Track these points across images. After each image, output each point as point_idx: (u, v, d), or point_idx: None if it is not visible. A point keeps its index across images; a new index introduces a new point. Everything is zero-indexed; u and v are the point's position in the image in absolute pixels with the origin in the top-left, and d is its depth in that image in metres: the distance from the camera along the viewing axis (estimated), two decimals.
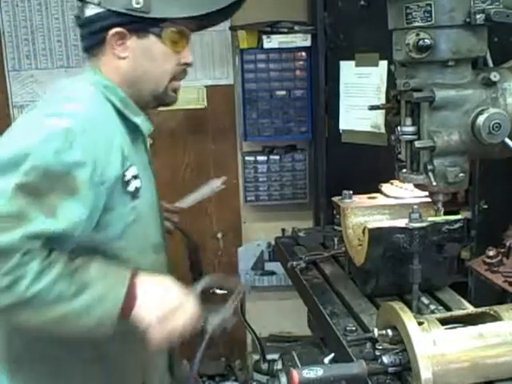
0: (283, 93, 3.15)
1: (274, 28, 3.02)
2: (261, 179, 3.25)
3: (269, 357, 1.93)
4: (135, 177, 1.45)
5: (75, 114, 1.36)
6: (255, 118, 3.17)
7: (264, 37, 3.02)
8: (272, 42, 3.03)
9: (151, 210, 1.58)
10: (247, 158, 3.26)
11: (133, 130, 1.50)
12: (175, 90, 1.57)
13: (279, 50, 3.08)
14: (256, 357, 2.97)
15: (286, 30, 3.03)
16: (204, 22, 1.53)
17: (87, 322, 1.30)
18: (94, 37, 1.49)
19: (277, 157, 3.25)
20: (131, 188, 1.44)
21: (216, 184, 2.18)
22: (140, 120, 1.51)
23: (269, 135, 3.19)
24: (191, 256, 2.01)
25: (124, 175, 1.42)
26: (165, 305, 1.37)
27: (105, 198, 1.38)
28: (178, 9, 1.45)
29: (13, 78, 3.26)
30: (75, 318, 1.29)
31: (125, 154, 1.42)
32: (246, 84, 3.14)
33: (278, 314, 3.36)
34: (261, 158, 3.25)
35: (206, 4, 1.47)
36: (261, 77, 3.13)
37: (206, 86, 3.20)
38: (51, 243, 1.28)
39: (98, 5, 1.45)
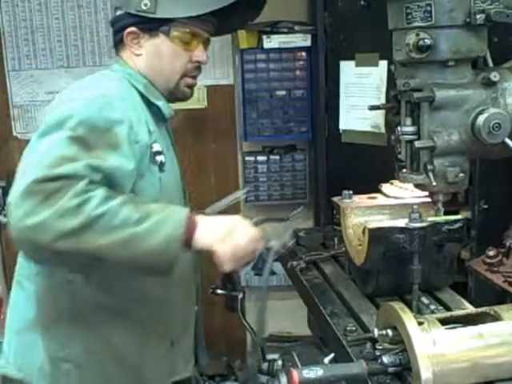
0: (283, 93, 3.15)
1: (274, 28, 3.02)
2: (261, 179, 3.25)
3: (269, 357, 1.92)
4: (160, 152, 1.54)
5: (109, 87, 1.51)
6: (255, 118, 3.17)
7: (264, 37, 3.02)
8: (272, 41, 3.03)
9: (175, 190, 1.66)
10: (247, 158, 3.26)
11: (156, 113, 1.61)
12: (190, 86, 1.67)
13: (279, 50, 3.08)
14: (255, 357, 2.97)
15: (285, 30, 3.03)
16: (210, 23, 1.64)
17: (152, 245, 1.31)
18: (115, 36, 1.66)
19: (277, 157, 3.25)
20: (157, 160, 1.53)
21: (240, 193, 2.33)
22: (161, 103, 1.62)
23: (269, 135, 3.19)
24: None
25: (151, 146, 1.52)
26: (225, 225, 1.40)
27: (138, 158, 1.46)
28: (182, 9, 1.56)
29: (13, 77, 3.26)
30: (140, 240, 1.30)
31: (150, 129, 1.53)
32: (246, 84, 3.14)
33: (278, 314, 3.36)
34: (261, 158, 3.25)
35: (207, 4, 1.57)
36: (261, 77, 3.13)
37: (206, 86, 3.20)
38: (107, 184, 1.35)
39: (119, 8, 1.63)
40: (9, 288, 3.42)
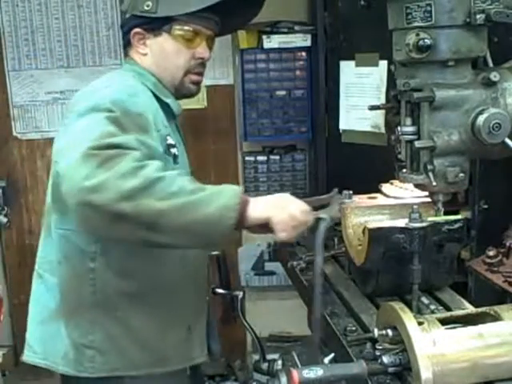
0: (283, 93, 3.15)
1: (274, 28, 3.02)
2: (261, 179, 3.25)
3: (269, 357, 1.93)
4: (173, 145, 1.61)
5: (130, 82, 1.60)
6: (255, 118, 3.17)
7: (264, 37, 3.03)
8: (272, 42, 3.04)
9: None
10: (247, 158, 3.26)
11: (165, 110, 1.66)
12: (195, 83, 1.73)
13: (279, 50, 3.08)
14: (256, 357, 2.97)
15: (285, 30, 3.03)
16: (212, 21, 1.69)
17: (207, 213, 1.31)
18: (124, 38, 1.74)
19: (277, 157, 3.25)
20: (172, 152, 1.60)
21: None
22: (170, 101, 1.68)
23: (269, 135, 3.19)
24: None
25: (166, 138, 1.59)
26: (276, 198, 1.44)
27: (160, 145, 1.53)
28: (180, 7, 1.63)
29: (13, 77, 3.27)
30: (196, 207, 1.31)
31: (164, 123, 1.61)
32: (245, 84, 3.14)
33: (278, 314, 3.36)
34: (261, 158, 3.25)
35: (204, 0, 1.62)
36: (261, 77, 3.14)
37: (206, 86, 3.19)
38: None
39: (126, 12, 1.72)
40: (9, 288, 3.43)
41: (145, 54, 1.69)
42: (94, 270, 1.58)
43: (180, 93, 1.73)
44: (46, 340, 1.68)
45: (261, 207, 1.39)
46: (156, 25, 1.65)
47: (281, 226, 1.39)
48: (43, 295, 1.68)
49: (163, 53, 1.68)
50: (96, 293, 1.59)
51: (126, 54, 1.77)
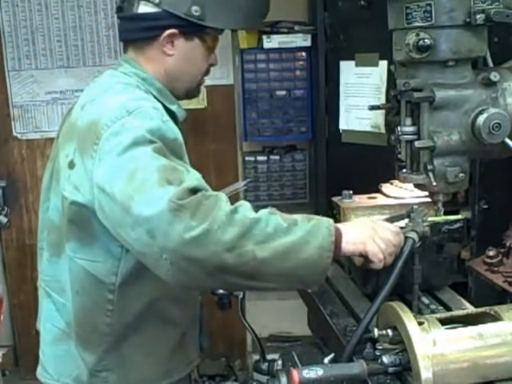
0: (283, 93, 3.15)
1: (274, 28, 3.02)
2: (261, 179, 3.25)
3: (269, 357, 1.93)
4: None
5: (142, 96, 1.53)
6: (255, 118, 3.17)
7: (264, 37, 3.03)
8: (272, 42, 3.04)
9: None
10: (247, 158, 3.26)
11: (170, 116, 1.60)
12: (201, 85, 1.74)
13: (279, 50, 3.08)
14: (256, 357, 2.97)
15: (286, 30, 3.03)
16: None
17: (306, 256, 1.29)
18: (146, 32, 1.60)
19: (277, 157, 3.25)
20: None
21: (240, 184, 2.42)
22: (175, 107, 1.64)
23: (269, 135, 3.19)
24: None
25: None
26: (366, 227, 1.41)
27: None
28: (229, 21, 1.62)
29: (13, 77, 3.27)
30: (297, 248, 1.28)
31: None
32: (246, 84, 3.14)
33: (278, 314, 3.36)
34: (261, 158, 3.25)
35: (251, 17, 1.66)
36: (261, 77, 3.14)
37: (206, 86, 3.19)
38: None
39: (157, 5, 1.56)
40: (9, 288, 3.43)
41: (169, 55, 1.61)
42: (112, 301, 1.55)
43: (189, 95, 1.71)
44: (57, 360, 1.66)
45: (354, 241, 1.36)
46: (193, 29, 1.59)
47: (378, 258, 1.37)
48: (53, 314, 1.65)
49: (191, 57, 1.63)
50: (112, 324, 1.57)
51: (137, 47, 1.64)
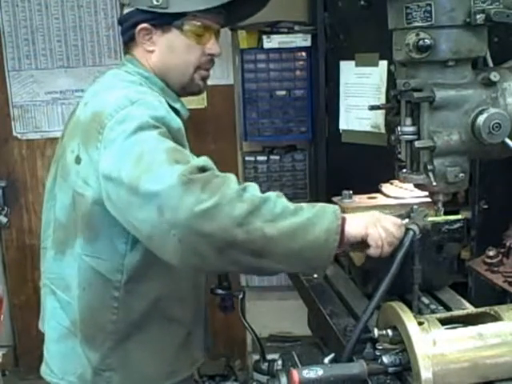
0: (283, 93, 3.15)
1: (274, 28, 3.02)
2: (261, 179, 3.25)
3: (269, 357, 1.93)
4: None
5: (147, 92, 1.53)
6: (255, 118, 3.17)
7: (264, 37, 3.02)
8: (272, 42, 3.03)
9: None
10: (247, 158, 3.26)
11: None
12: (204, 79, 1.69)
13: (279, 50, 3.08)
14: (256, 357, 2.97)
15: (286, 30, 3.03)
16: (221, 15, 1.64)
17: (313, 237, 1.30)
18: (127, 33, 1.64)
19: (277, 157, 3.25)
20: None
21: None
22: (179, 106, 1.64)
23: (269, 135, 3.19)
24: None
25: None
26: (369, 215, 1.43)
27: None
28: (194, 3, 1.57)
29: (13, 77, 3.27)
30: (304, 229, 1.29)
31: None
32: (245, 84, 3.14)
33: (278, 314, 3.36)
34: (261, 158, 3.25)
35: None
36: (261, 77, 3.13)
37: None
38: None
39: (128, 5, 1.62)
40: (9, 288, 3.43)
41: (151, 51, 1.61)
42: (117, 298, 1.55)
43: (187, 90, 1.68)
44: (62, 357, 1.66)
45: (357, 225, 1.38)
46: (165, 20, 1.57)
47: (377, 243, 1.38)
48: (58, 312, 1.65)
49: (173, 49, 1.61)
50: (117, 322, 1.57)
51: (127, 52, 1.69)
